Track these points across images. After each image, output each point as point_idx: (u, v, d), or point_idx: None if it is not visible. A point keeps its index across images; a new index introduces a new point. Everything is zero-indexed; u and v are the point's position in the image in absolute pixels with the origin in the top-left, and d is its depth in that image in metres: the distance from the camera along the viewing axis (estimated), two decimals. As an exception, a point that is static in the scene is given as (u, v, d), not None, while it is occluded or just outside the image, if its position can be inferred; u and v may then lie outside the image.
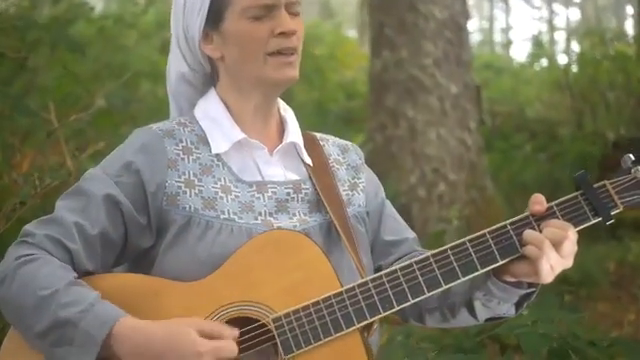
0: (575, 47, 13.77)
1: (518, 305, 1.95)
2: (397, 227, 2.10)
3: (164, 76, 2.11)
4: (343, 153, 2.09)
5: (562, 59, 14.94)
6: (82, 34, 7.63)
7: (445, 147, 6.99)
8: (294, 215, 1.92)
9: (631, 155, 1.87)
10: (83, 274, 1.81)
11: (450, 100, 7.04)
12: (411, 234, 2.11)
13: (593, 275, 6.51)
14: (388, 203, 2.13)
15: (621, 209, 1.85)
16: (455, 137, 7.03)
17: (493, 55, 17.81)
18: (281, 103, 2.06)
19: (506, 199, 8.86)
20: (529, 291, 1.91)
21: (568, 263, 1.83)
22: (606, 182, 1.86)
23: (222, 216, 1.86)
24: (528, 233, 1.83)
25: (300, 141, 2.01)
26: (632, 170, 1.86)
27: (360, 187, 2.05)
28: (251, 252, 1.80)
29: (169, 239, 1.85)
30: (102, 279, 1.83)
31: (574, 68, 12.08)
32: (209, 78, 2.03)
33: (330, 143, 2.11)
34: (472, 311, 1.95)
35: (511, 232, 1.83)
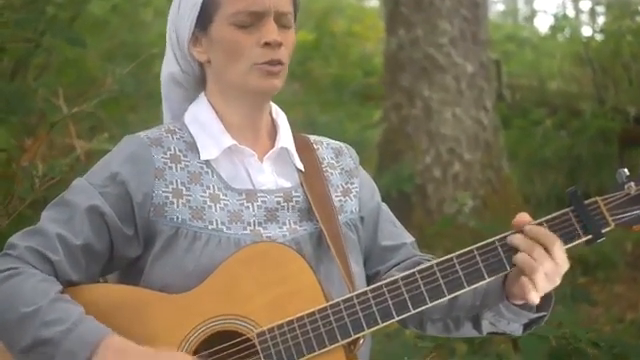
0: (600, 19, 13.57)
1: (526, 326, 1.91)
2: (394, 231, 2.08)
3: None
4: (337, 157, 2.06)
5: (586, 31, 14.73)
6: (97, 13, 7.62)
7: (461, 127, 6.95)
8: (284, 224, 1.90)
9: (625, 170, 1.82)
10: (67, 285, 1.80)
11: (466, 79, 6.98)
12: (409, 238, 2.09)
13: (610, 256, 6.46)
14: (384, 206, 2.10)
15: (613, 227, 1.81)
16: (471, 116, 6.98)
17: (516, 26, 17.63)
18: (273, 106, 2.03)
19: (525, 176, 8.80)
20: (540, 315, 1.87)
21: (561, 271, 1.79)
22: (598, 199, 1.82)
23: (210, 226, 1.85)
24: (517, 237, 1.80)
25: (292, 146, 1.98)
26: (625, 186, 1.81)
27: (353, 192, 2.02)
28: (237, 265, 1.79)
29: (157, 250, 1.84)
30: (87, 290, 1.82)
31: (597, 41, 11.92)
32: (200, 82, 2.00)
33: (324, 146, 2.07)
34: (477, 326, 1.93)
35: (499, 249, 1.80)
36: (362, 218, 2.02)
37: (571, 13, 15.03)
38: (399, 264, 2.02)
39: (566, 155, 9.17)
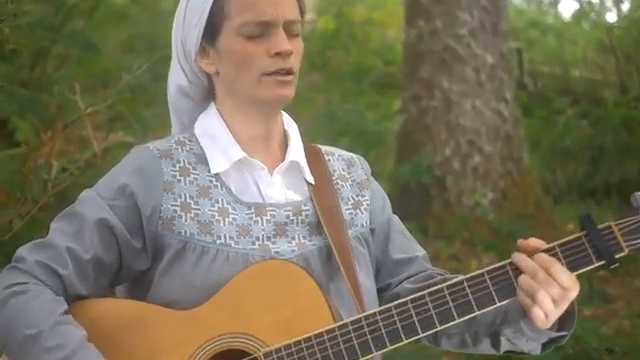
0: (625, 6, 13.41)
1: (545, 345, 1.88)
2: (406, 244, 2.05)
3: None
4: (349, 168, 2.04)
5: (611, 17, 14.58)
6: (117, 3, 7.62)
7: (480, 118, 6.91)
8: (293, 239, 1.89)
9: None
10: (76, 298, 1.80)
11: (486, 71, 6.94)
12: (420, 251, 2.06)
13: (631, 249, 6.40)
14: (396, 218, 2.07)
15: (626, 252, 1.78)
16: (491, 108, 6.94)
17: (540, 11, 17.48)
18: (285, 117, 2.01)
19: (546, 166, 8.75)
20: (560, 334, 1.84)
21: (569, 295, 1.76)
22: (612, 223, 1.78)
23: (218, 241, 1.83)
24: (522, 259, 1.77)
25: (302, 159, 1.96)
26: (640, 211, 1.78)
27: (364, 205, 2.00)
28: (245, 282, 1.78)
29: (165, 264, 1.83)
30: (94, 305, 1.82)
31: (622, 28, 11.80)
32: (208, 93, 1.98)
33: (335, 157, 2.05)
34: (496, 343, 1.90)
35: (510, 272, 1.78)
36: (373, 230, 2.00)
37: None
38: (411, 277, 2.00)
39: (588, 145, 9.11)
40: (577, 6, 14.21)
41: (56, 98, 4.80)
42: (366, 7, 12.54)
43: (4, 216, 3.23)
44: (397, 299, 1.97)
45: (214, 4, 1.87)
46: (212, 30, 1.88)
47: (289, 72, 1.87)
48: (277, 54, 1.85)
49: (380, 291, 1.98)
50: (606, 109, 9.53)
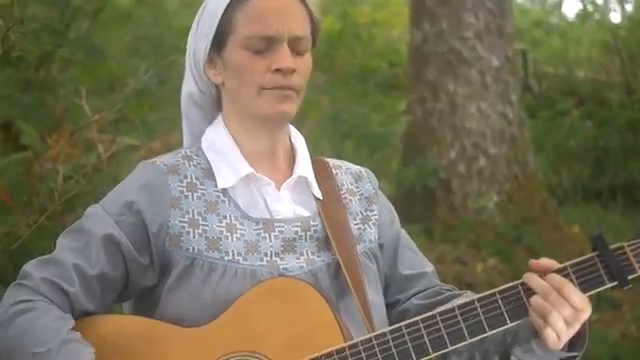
0: (629, 7, 13.38)
1: None
2: (414, 259, 2.04)
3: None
4: (357, 182, 2.02)
5: (615, 17, 14.54)
6: (122, 3, 7.61)
7: (486, 121, 6.89)
8: (301, 255, 1.87)
9: None
10: (83, 314, 1.79)
11: (491, 73, 6.92)
12: (429, 266, 2.04)
13: None
14: (404, 233, 2.06)
15: (639, 273, 1.77)
16: (496, 111, 6.93)
17: (544, 11, 17.44)
18: (292, 130, 2.00)
19: (551, 167, 8.74)
20: (571, 355, 1.82)
21: (581, 316, 1.75)
22: (624, 244, 1.77)
23: (226, 257, 1.82)
24: (535, 280, 1.76)
25: (310, 174, 1.95)
26: (653, 232, 1.77)
27: (372, 220, 1.98)
28: (254, 300, 1.77)
29: (172, 280, 1.82)
30: (102, 322, 1.80)
31: (626, 28, 11.78)
32: (217, 103, 1.97)
33: (343, 171, 2.03)
34: None
35: (522, 293, 1.77)
36: (381, 246, 1.99)
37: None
38: (419, 293, 1.99)
39: (593, 146, 9.11)
40: (581, 6, 14.19)
41: (61, 101, 4.79)
42: (370, 7, 12.53)
43: (10, 221, 3.22)
44: (406, 315, 1.96)
45: (223, 15, 1.87)
46: (220, 41, 1.88)
47: (289, 89, 1.85)
48: (278, 70, 1.83)
49: (388, 307, 1.97)
50: (611, 110, 9.52)
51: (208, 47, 1.89)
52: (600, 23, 13.16)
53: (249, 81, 1.84)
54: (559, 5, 16.98)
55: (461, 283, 6.14)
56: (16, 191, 3.92)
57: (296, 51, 1.85)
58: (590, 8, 14.10)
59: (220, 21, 1.87)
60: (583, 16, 13.69)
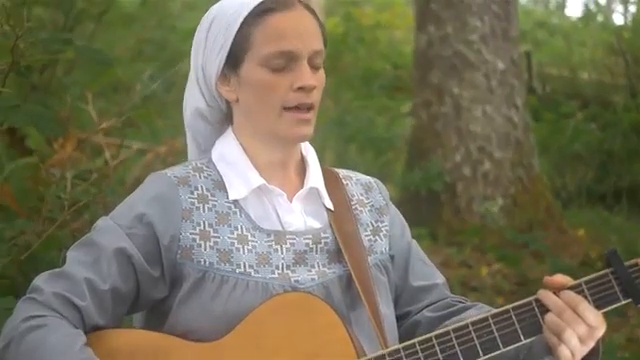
0: (632, 8, 13.38)
1: None
2: (426, 270, 2.03)
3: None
4: (367, 192, 2.01)
5: (618, 19, 14.54)
6: (126, 6, 7.61)
7: (491, 125, 6.89)
8: (313, 267, 1.87)
9: None
10: (94, 329, 1.78)
11: (496, 76, 6.91)
12: (440, 278, 2.04)
13: (642, 256, 6.40)
14: (415, 244, 2.05)
15: None
16: (501, 114, 6.92)
17: (547, 11, 17.42)
18: (303, 143, 2.00)
19: (555, 170, 8.73)
20: None
21: (596, 334, 1.75)
22: (639, 260, 1.78)
23: (238, 270, 1.81)
24: (549, 297, 1.76)
25: (321, 185, 1.94)
26: (668, 247, 1.77)
27: (383, 232, 1.98)
28: (266, 315, 1.75)
29: (183, 293, 1.81)
30: (112, 336, 1.79)
31: (630, 30, 11.78)
32: (226, 117, 1.96)
33: (353, 182, 2.02)
34: None
35: (536, 309, 1.76)
36: (392, 257, 1.98)
37: (603, 0, 14.83)
38: (430, 305, 1.99)
39: (597, 149, 9.10)
40: (583, 7, 14.17)
41: (67, 105, 4.78)
42: (373, 8, 12.53)
43: (18, 227, 3.21)
44: (417, 327, 1.96)
45: (238, 32, 1.85)
46: (235, 58, 1.86)
47: (310, 107, 1.85)
48: (300, 88, 1.82)
49: (398, 319, 1.96)
50: (615, 113, 9.52)
51: (221, 64, 1.87)
52: (604, 25, 13.16)
53: (271, 100, 1.83)
54: (562, 6, 16.98)
55: (466, 287, 6.13)
56: (22, 196, 3.92)
57: (313, 66, 1.85)
58: (593, 9, 14.10)
59: (235, 38, 1.85)
60: (587, 17, 13.69)
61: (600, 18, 13.96)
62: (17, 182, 4.09)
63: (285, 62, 1.82)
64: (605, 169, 8.95)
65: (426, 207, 6.74)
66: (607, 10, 14.21)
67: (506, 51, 6.99)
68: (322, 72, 1.88)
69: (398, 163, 7.63)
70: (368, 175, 2.08)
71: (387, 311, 1.91)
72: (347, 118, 7.03)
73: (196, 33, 1.95)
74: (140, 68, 6.25)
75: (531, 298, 1.77)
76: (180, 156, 5.79)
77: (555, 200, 7.53)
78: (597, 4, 14.54)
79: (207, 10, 1.97)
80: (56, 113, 4.15)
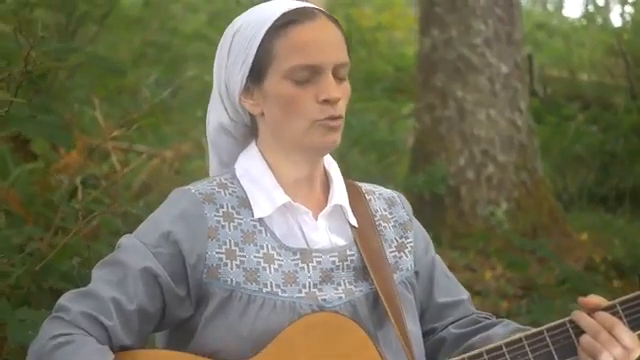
0: (628, 9, 13.38)
1: None
2: (450, 286, 2.02)
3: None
4: (390, 207, 2.00)
5: (617, 19, 14.54)
6: (129, 8, 7.59)
7: (495, 128, 6.88)
8: (339, 285, 1.85)
9: None
10: (120, 349, 1.77)
11: (500, 80, 6.91)
12: (465, 293, 2.03)
13: (646, 259, 6.40)
14: (438, 259, 2.04)
15: None
16: (505, 118, 6.91)
17: (545, 12, 17.40)
18: (326, 156, 1.98)
19: (557, 172, 8.73)
20: None
21: (632, 355, 1.74)
22: None
23: (265, 289, 1.80)
24: (584, 318, 1.75)
25: (346, 202, 1.93)
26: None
27: (408, 248, 1.96)
28: (296, 335, 1.74)
29: (209, 312, 1.79)
30: (140, 357, 1.78)
31: (629, 31, 11.78)
32: (250, 131, 1.94)
33: (376, 196, 2.01)
34: None
35: (570, 330, 1.75)
36: (417, 273, 1.97)
37: (601, 1, 14.82)
38: (456, 322, 1.98)
39: (598, 151, 9.10)
40: (582, 8, 14.16)
41: (71, 108, 4.77)
42: (373, 9, 12.51)
43: (26, 233, 3.20)
44: (442, 344, 1.95)
45: (261, 45, 1.83)
46: (258, 71, 1.83)
47: (339, 117, 1.83)
48: (325, 101, 1.80)
49: (423, 335, 1.95)
50: (616, 114, 9.52)
51: (245, 78, 1.85)
52: (603, 26, 13.16)
53: (299, 114, 1.81)
54: (560, 7, 16.96)
55: (470, 291, 6.11)
56: (29, 202, 3.90)
57: (338, 77, 1.83)
58: (591, 9, 14.09)
59: (257, 52, 1.83)
60: (586, 18, 13.68)
61: (599, 19, 13.95)
62: (23, 187, 4.07)
63: (309, 75, 1.80)
64: (606, 171, 8.95)
65: (430, 211, 6.72)
66: (605, 11, 14.20)
67: (510, 54, 6.98)
68: (347, 83, 1.86)
69: (400, 166, 7.61)
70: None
71: (414, 328, 1.89)
72: (351, 121, 7.01)
73: (218, 48, 1.93)
74: (144, 71, 6.23)
75: (565, 319, 1.75)
76: (186, 161, 5.79)
77: (557, 203, 7.53)
78: (596, 5, 14.53)
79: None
80: (61, 118, 4.13)
